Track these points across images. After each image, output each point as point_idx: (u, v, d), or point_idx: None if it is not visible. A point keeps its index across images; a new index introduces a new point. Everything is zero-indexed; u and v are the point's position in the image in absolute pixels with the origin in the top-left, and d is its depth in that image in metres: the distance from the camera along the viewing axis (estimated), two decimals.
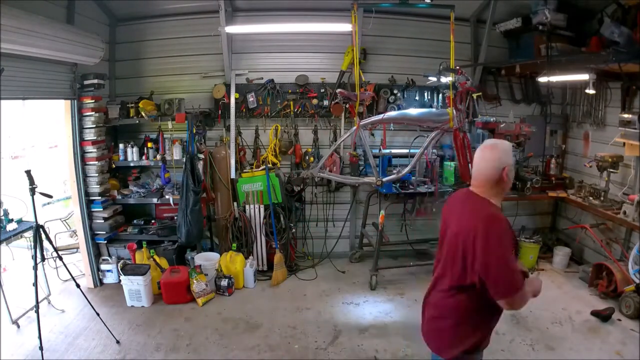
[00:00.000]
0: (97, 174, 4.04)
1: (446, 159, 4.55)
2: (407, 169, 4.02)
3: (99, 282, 4.14)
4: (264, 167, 4.41)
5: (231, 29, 4.30)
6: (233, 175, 4.50)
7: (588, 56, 3.64)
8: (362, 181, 4.27)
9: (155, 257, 4.05)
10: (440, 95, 4.58)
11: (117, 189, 4.35)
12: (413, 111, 4.15)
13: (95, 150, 3.99)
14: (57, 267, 4.09)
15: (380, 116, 4.21)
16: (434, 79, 4.18)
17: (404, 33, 4.60)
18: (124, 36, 4.53)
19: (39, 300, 2.87)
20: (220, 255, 4.21)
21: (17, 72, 3.11)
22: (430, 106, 4.55)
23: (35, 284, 2.80)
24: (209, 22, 4.30)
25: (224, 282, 3.97)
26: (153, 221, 4.52)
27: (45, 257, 3.18)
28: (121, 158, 4.32)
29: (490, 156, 1.69)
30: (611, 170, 3.86)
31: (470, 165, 3.95)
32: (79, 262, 4.24)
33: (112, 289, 4.06)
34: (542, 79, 4.46)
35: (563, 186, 4.52)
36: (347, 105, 4.19)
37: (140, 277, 3.68)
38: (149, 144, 4.34)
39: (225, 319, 3.58)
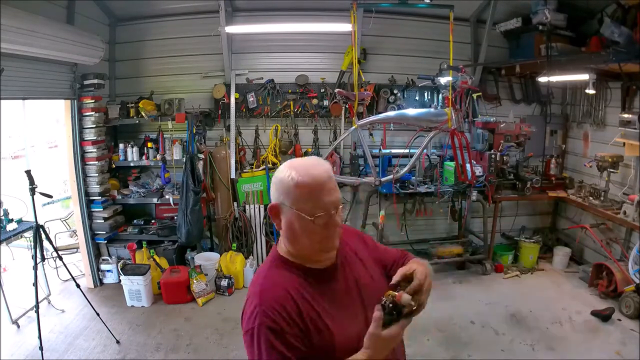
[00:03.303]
0: (97, 174, 4.04)
1: (446, 159, 4.55)
2: (404, 169, 4.02)
3: (99, 282, 4.14)
4: (264, 167, 4.41)
5: (231, 29, 4.30)
6: (233, 175, 4.50)
7: (588, 56, 3.64)
8: (362, 181, 4.27)
9: (155, 257, 4.05)
10: (440, 95, 4.58)
11: (117, 189, 4.35)
12: (411, 111, 4.14)
13: (95, 150, 3.99)
14: (57, 267, 4.09)
15: (378, 116, 4.22)
16: (427, 82, 4.19)
17: (404, 33, 4.60)
18: (124, 36, 4.53)
19: (39, 300, 2.87)
20: (220, 255, 4.21)
21: (17, 72, 3.11)
22: (430, 106, 4.55)
23: (35, 284, 2.81)
24: (209, 22, 4.29)
25: (224, 282, 3.97)
26: (153, 221, 4.52)
27: (45, 257, 3.18)
28: (121, 158, 4.32)
29: None
30: (611, 170, 3.85)
31: (468, 165, 3.95)
32: (79, 262, 4.24)
33: (112, 289, 4.06)
34: (542, 79, 4.46)
35: (563, 186, 4.51)
36: (347, 105, 4.19)
37: (140, 277, 3.68)
38: (149, 144, 4.33)
39: (226, 319, 3.58)
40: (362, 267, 1.28)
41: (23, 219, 3.47)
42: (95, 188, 4.05)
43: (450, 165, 4.25)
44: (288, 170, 1.12)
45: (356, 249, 1.31)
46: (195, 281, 3.81)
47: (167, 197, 4.23)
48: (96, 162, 4.02)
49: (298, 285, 1.13)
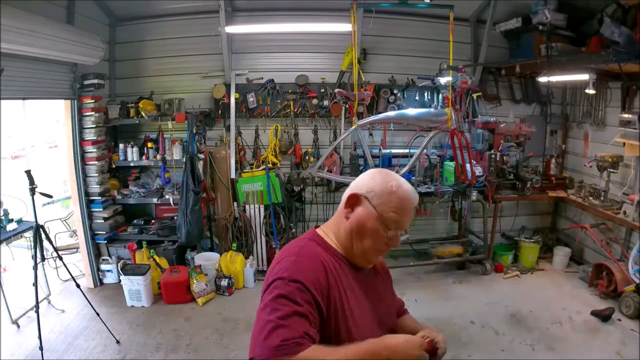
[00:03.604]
0: (97, 174, 4.04)
1: (446, 159, 4.55)
2: (404, 169, 4.03)
3: (99, 282, 4.14)
4: (264, 167, 4.41)
5: (231, 29, 4.30)
6: (233, 175, 4.50)
7: (588, 56, 3.64)
8: None
9: (155, 257, 4.05)
10: (440, 95, 4.58)
11: (117, 189, 4.35)
12: (411, 111, 4.15)
13: (95, 150, 3.99)
14: (57, 267, 4.09)
15: (378, 116, 4.22)
16: (427, 82, 4.19)
17: (404, 33, 4.60)
18: (124, 36, 4.53)
19: (39, 300, 2.87)
20: (220, 255, 4.21)
21: (17, 72, 3.11)
22: (430, 106, 4.55)
23: (35, 284, 2.80)
24: (209, 22, 4.29)
25: (224, 282, 3.97)
26: (153, 221, 4.52)
27: (45, 257, 3.18)
28: (121, 158, 4.32)
29: None
30: (611, 170, 3.85)
31: (468, 165, 3.95)
32: (79, 262, 4.24)
33: (112, 289, 4.06)
34: (542, 79, 4.46)
35: (563, 186, 4.51)
36: (347, 105, 4.20)
37: (140, 277, 3.68)
38: (149, 144, 4.34)
39: (226, 319, 3.58)
40: (384, 287, 1.35)
41: (23, 219, 3.47)
42: (95, 188, 4.05)
43: (450, 165, 4.25)
44: (389, 177, 1.19)
45: (383, 271, 1.39)
46: (195, 281, 3.80)
47: (167, 197, 4.23)
48: (96, 162, 4.02)
49: (331, 265, 1.15)
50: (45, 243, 3.14)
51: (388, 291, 1.37)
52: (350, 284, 1.17)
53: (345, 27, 4.17)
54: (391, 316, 1.34)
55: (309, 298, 1.04)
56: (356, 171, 4.47)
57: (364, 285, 1.23)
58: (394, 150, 4.57)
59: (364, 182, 1.20)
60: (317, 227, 1.29)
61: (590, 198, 4.04)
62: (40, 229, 2.96)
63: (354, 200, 1.19)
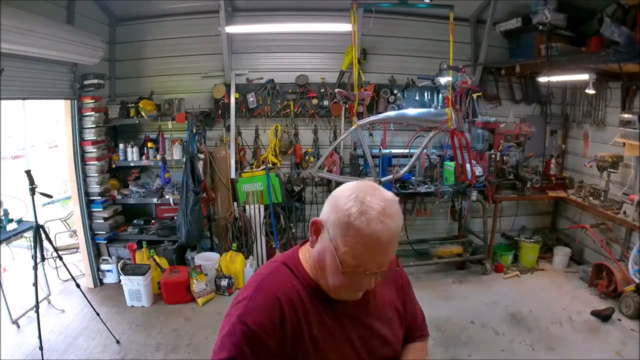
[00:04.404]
0: (97, 174, 4.04)
1: (446, 159, 4.55)
2: (404, 169, 4.03)
3: (99, 282, 4.14)
4: (264, 167, 4.41)
5: (231, 29, 4.31)
6: (233, 175, 4.50)
7: (588, 56, 3.64)
8: None
9: (155, 257, 4.05)
10: (440, 95, 4.58)
11: (117, 189, 4.35)
12: (411, 111, 4.15)
13: (95, 150, 3.99)
14: (57, 267, 4.09)
15: (378, 116, 4.23)
16: (427, 82, 4.19)
17: (404, 33, 4.60)
18: (124, 36, 4.53)
19: (39, 300, 2.87)
20: (220, 255, 4.21)
21: (17, 72, 3.11)
22: (430, 106, 4.55)
23: (35, 284, 2.80)
24: (209, 22, 4.29)
25: (224, 282, 3.97)
26: (153, 221, 4.52)
27: (45, 257, 3.18)
28: (121, 158, 4.32)
29: None
30: (611, 170, 3.85)
31: (468, 165, 3.95)
32: (79, 262, 4.24)
33: (112, 289, 4.06)
34: (542, 79, 4.46)
35: (563, 186, 4.51)
36: (347, 105, 4.20)
37: (140, 277, 3.68)
38: (149, 144, 4.34)
39: None
40: (378, 313, 1.11)
41: (23, 219, 3.46)
42: (95, 188, 4.05)
43: (450, 165, 4.25)
44: (353, 201, 0.90)
45: (382, 293, 1.14)
46: (195, 281, 3.81)
47: (167, 197, 4.23)
48: (96, 162, 4.02)
49: (296, 299, 1.00)
50: (45, 243, 3.14)
51: (386, 316, 1.13)
52: (321, 319, 1.01)
53: (345, 27, 4.17)
54: (390, 346, 1.13)
55: (254, 343, 0.94)
56: (356, 171, 4.47)
57: (342, 318, 1.04)
58: (394, 150, 4.57)
59: (328, 202, 0.97)
60: (303, 243, 1.12)
61: (590, 198, 4.04)
62: (40, 229, 2.96)
63: (315, 228, 0.98)
